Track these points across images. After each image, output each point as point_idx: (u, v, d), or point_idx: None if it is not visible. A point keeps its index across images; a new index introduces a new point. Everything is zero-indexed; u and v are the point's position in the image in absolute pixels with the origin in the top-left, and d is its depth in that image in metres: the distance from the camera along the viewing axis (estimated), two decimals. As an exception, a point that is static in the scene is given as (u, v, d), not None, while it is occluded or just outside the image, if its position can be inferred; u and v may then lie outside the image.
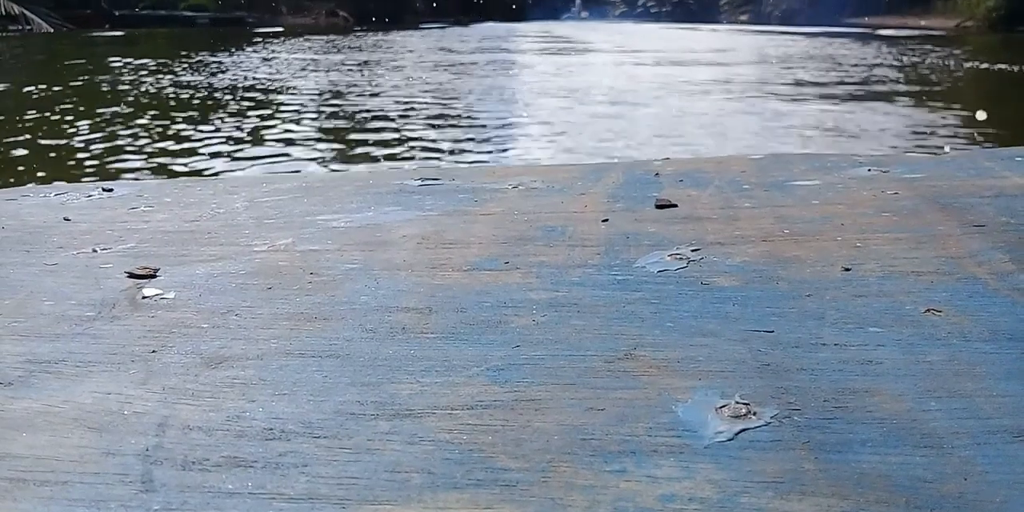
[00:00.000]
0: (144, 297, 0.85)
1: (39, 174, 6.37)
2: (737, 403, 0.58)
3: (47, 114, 9.28)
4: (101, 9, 33.92)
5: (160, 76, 13.59)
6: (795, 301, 0.78)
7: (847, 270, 0.85)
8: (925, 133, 8.25)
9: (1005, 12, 36.48)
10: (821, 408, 0.57)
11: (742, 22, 63.25)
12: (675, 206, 1.14)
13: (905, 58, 18.63)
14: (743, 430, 0.55)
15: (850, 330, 0.70)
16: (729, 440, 0.54)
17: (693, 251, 0.94)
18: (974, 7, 40.15)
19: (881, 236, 0.97)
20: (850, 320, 0.73)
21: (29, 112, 9.37)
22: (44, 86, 11.97)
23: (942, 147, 7.44)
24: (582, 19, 73.75)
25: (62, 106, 9.91)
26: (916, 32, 35.21)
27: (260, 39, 23.55)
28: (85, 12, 32.55)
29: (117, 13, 34.13)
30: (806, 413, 0.57)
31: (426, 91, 11.87)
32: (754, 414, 0.57)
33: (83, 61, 16.16)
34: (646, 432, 0.55)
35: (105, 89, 11.56)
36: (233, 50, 19.79)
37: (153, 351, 0.71)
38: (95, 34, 26.83)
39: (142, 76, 13.56)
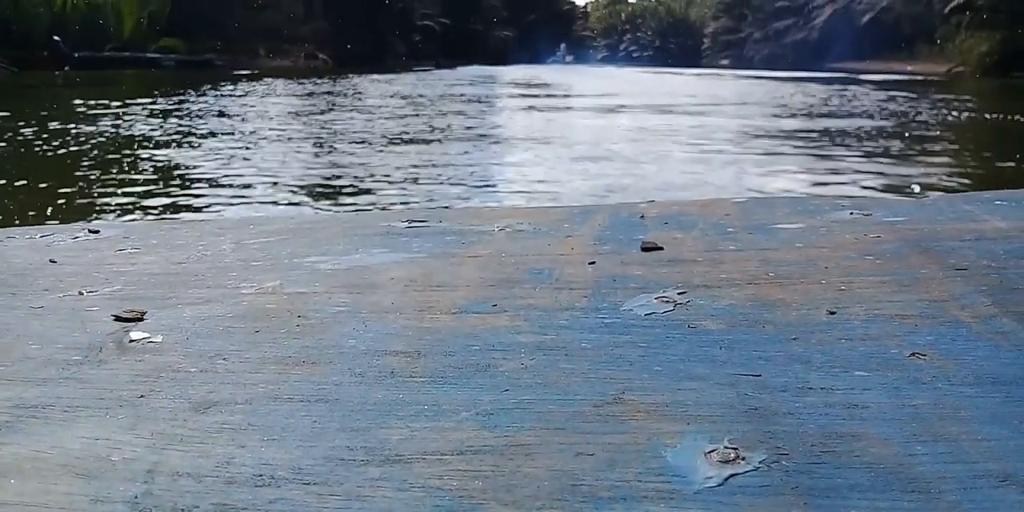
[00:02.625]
0: (131, 340, 0.85)
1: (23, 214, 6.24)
2: (726, 448, 0.58)
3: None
4: (60, 50, 32.42)
5: (124, 119, 13.19)
6: (781, 344, 0.78)
7: (832, 313, 0.86)
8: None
9: (998, 58, 36.01)
10: (809, 452, 0.57)
11: (723, 67, 63.27)
12: (661, 249, 1.14)
13: (915, 107, 17.58)
14: (732, 475, 0.55)
15: (836, 374, 0.71)
16: (719, 485, 0.54)
17: (680, 294, 0.94)
18: (966, 53, 39.72)
19: (865, 279, 0.97)
20: (836, 364, 0.73)
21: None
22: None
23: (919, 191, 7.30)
24: (567, 63, 73.74)
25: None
26: (907, 78, 34.67)
27: (205, 85, 22.24)
28: (42, 54, 31.01)
29: (77, 55, 32.54)
30: (794, 458, 0.57)
31: (407, 139, 11.51)
32: (743, 459, 0.57)
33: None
34: (636, 477, 0.55)
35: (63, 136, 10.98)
36: (186, 93, 18.77)
37: (141, 396, 0.71)
38: (39, 78, 25.46)
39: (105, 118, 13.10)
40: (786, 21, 62.02)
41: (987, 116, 15.93)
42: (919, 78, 34.31)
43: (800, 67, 47.78)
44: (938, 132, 12.83)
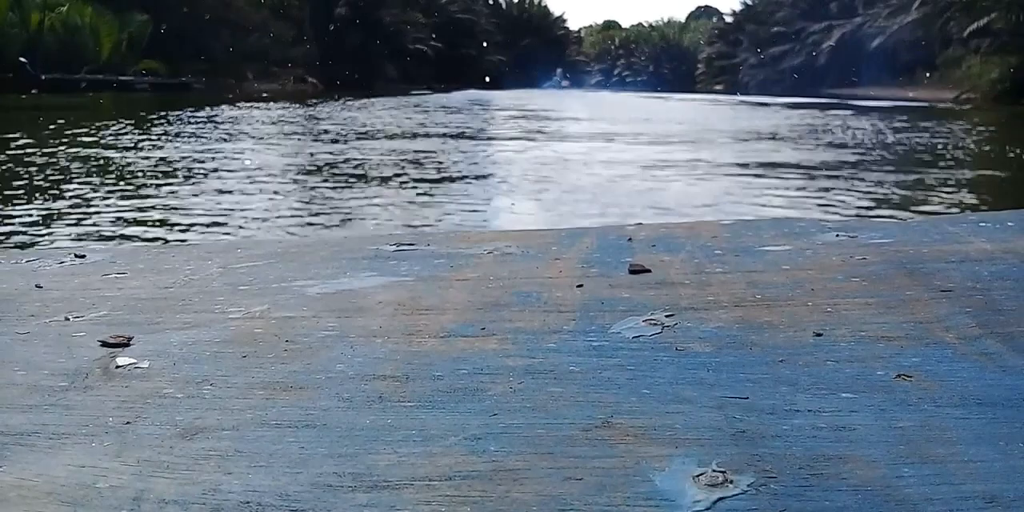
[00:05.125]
0: (118, 366, 0.84)
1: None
2: (714, 471, 0.58)
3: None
4: (26, 73, 30.64)
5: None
6: (768, 367, 0.78)
7: (818, 335, 0.86)
8: None
9: (1010, 85, 34.55)
10: (797, 475, 0.57)
11: (718, 92, 62.50)
12: (648, 271, 1.14)
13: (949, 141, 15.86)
14: (720, 499, 0.55)
15: (823, 396, 0.71)
16: (707, 509, 0.54)
17: (667, 316, 0.94)
18: (975, 79, 38.40)
19: (851, 301, 0.98)
20: (823, 386, 0.73)
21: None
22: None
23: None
24: (563, 88, 73.09)
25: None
26: (914, 105, 33.44)
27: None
28: (7, 77, 29.25)
29: (44, 77, 30.72)
30: (782, 481, 0.57)
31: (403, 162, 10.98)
32: (731, 482, 0.57)
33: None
34: (624, 502, 0.55)
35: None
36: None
37: (127, 422, 0.71)
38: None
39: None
40: (782, 47, 61.38)
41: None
42: (927, 105, 33.07)
43: (797, 93, 46.82)
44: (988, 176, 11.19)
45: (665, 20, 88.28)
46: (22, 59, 30.77)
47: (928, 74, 43.99)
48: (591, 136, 16.60)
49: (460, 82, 53.01)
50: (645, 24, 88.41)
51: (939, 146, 14.74)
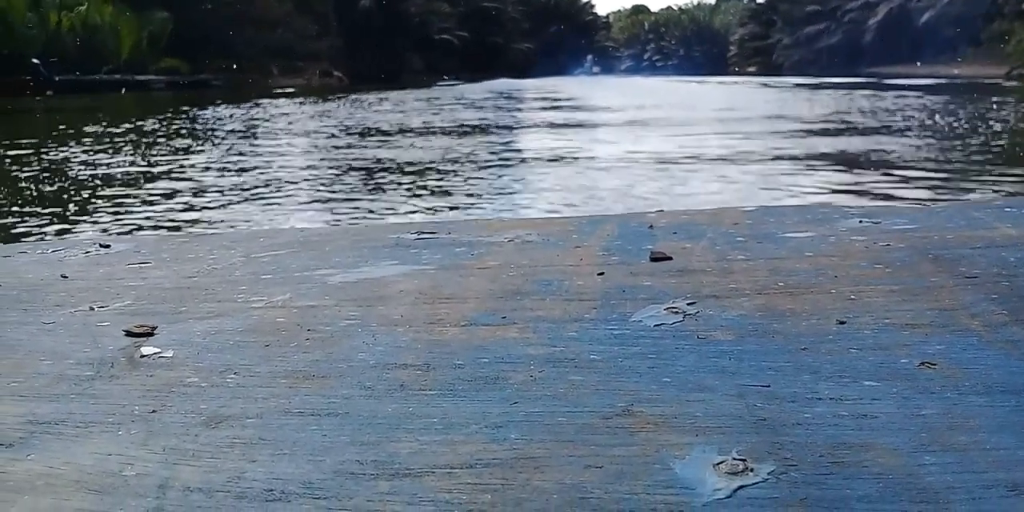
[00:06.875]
0: (142, 356, 0.86)
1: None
2: (735, 459, 0.58)
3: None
4: (40, 74, 29.88)
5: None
6: (790, 355, 0.78)
7: (841, 323, 0.86)
8: None
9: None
10: (818, 463, 0.57)
11: (752, 74, 60.90)
12: (670, 259, 1.14)
13: None
14: (741, 487, 0.55)
15: (845, 384, 0.71)
16: (727, 497, 0.54)
17: (689, 304, 0.94)
18: (1025, 53, 36.42)
19: (874, 288, 0.97)
20: (845, 374, 0.73)
21: None
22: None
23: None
24: (594, 74, 71.82)
25: None
26: (969, 82, 31.64)
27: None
28: (23, 78, 28.49)
29: (58, 78, 29.90)
30: (803, 469, 0.57)
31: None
32: (751, 470, 0.57)
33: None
34: (644, 490, 0.55)
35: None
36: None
37: (152, 411, 0.72)
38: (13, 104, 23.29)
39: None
40: (818, 26, 59.56)
41: None
42: (985, 82, 31.21)
43: (835, 73, 45.12)
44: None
45: (695, 2, 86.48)
46: (35, 60, 30.11)
47: (973, 50, 42.07)
48: (643, 124, 15.28)
49: (488, 71, 52.02)
50: (675, 7, 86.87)
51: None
